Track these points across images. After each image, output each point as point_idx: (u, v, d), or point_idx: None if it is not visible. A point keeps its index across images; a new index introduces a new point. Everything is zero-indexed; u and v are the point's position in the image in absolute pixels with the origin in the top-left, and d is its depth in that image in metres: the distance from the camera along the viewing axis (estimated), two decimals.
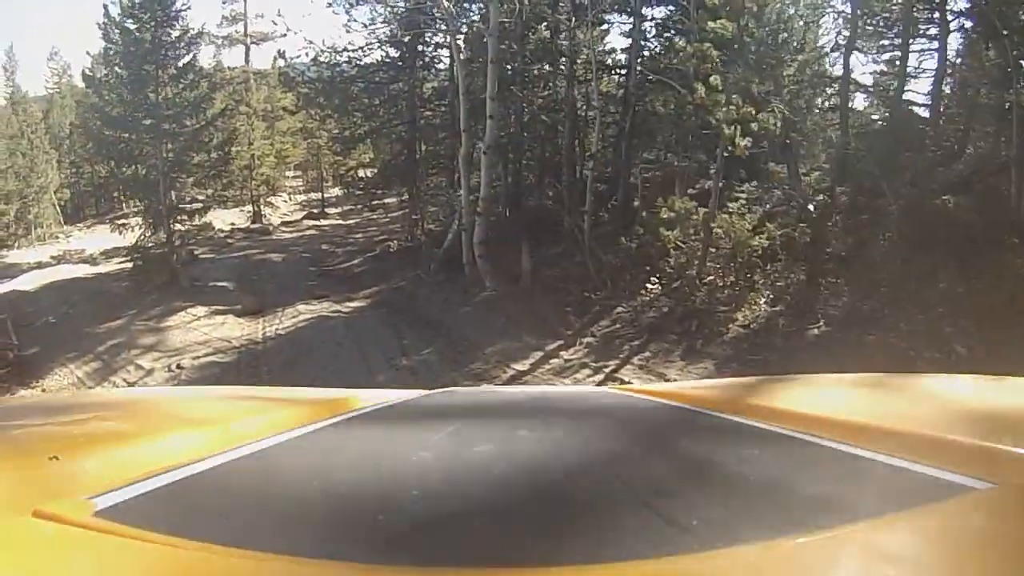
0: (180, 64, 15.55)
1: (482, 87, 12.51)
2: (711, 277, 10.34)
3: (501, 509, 0.88)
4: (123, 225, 16.57)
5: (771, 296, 9.84)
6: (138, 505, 0.84)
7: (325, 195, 25.80)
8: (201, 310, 12.56)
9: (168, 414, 1.73)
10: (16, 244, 23.05)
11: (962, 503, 0.77)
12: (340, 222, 22.91)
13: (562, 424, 1.99)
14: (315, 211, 24.62)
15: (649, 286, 10.78)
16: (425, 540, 0.75)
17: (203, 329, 11.80)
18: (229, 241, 20.53)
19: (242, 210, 23.33)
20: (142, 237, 15.04)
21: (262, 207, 23.39)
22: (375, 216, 21.53)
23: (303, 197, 27.93)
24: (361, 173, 20.88)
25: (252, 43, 24.49)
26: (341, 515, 0.86)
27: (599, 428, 1.83)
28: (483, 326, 10.68)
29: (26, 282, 15.73)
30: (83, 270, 17.12)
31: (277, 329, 11.67)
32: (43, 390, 9.87)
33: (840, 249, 10.40)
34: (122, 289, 14.28)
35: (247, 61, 24.67)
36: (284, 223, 23.35)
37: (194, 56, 15.98)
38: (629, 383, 7.67)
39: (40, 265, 19.98)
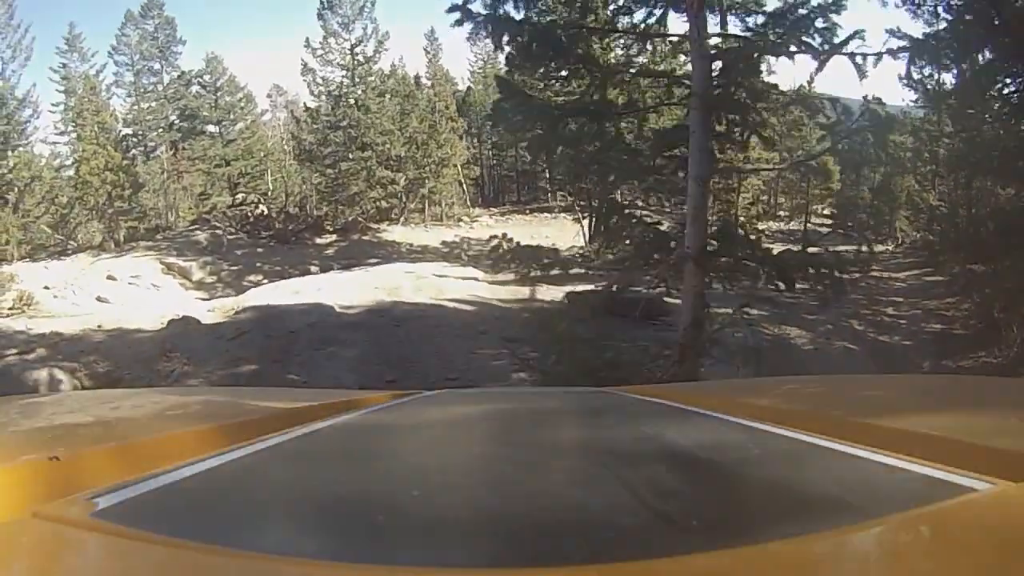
0: None
1: None
2: None
3: (501, 509, 0.88)
4: (546, 216, 9.46)
5: None
6: (138, 505, 0.84)
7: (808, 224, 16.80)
8: None
9: (168, 414, 1.73)
10: (403, 220, 19.07)
11: (962, 503, 0.77)
12: None
13: (562, 425, 2.00)
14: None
15: None
16: (425, 540, 0.75)
17: None
18: None
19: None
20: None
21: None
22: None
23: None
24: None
25: None
26: (341, 515, 0.86)
27: (599, 429, 1.84)
28: None
29: (351, 285, 9.39)
30: (462, 284, 10.12)
31: None
32: None
33: None
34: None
35: None
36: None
37: None
38: None
39: (423, 252, 15.46)
